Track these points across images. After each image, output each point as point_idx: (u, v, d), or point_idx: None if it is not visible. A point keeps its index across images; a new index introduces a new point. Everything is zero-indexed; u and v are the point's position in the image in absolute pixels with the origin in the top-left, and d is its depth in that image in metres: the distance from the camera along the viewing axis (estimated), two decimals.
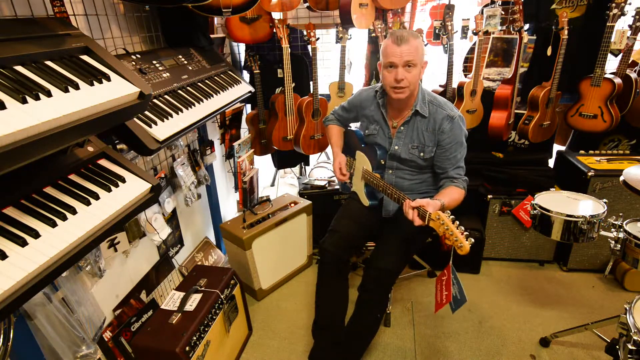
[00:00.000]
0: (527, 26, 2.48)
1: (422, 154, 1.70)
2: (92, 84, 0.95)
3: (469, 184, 1.69)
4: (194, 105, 1.60)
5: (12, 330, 1.05)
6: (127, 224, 1.65)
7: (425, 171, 1.78)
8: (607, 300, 2.26)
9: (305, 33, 2.42)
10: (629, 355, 1.30)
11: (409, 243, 1.77)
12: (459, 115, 1.65)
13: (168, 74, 1.61)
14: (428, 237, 1.97)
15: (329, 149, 2.87)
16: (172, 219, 2.06)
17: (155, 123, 1.34)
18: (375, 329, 1.83)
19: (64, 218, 0.91)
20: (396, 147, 1.74)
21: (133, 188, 1.13)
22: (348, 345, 1.82)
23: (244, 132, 2.81)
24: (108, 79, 1.00)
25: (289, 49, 2.36)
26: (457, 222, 1.31)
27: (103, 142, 1.21)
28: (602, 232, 1.71)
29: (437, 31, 2.56)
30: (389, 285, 1.79)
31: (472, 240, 1.28)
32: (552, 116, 2.46)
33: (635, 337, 1.30)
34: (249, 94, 2.14)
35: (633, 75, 2.28)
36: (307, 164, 3.23)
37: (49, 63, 0.94)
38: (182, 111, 1.50)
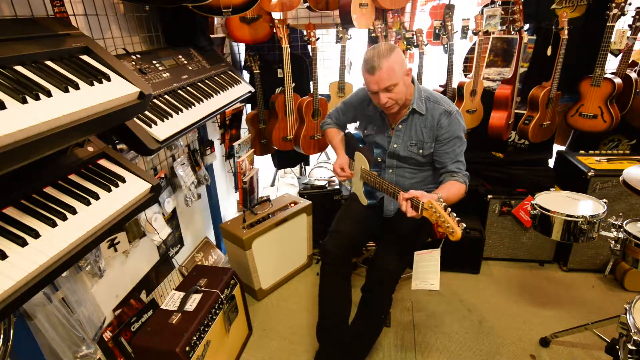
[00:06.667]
0: (527, 26, 2.49)
1: (421, 151, 1.70)
2: (92, 84, 0.95)
3: (469, 184, 1.68)
4: (194, 105, 1.60)
5: (12, 330, 1.05)
6: (127, 224, 1.65)
7: (426, 168, 1.78)
8: (607, 300, 2.26)
9: (305, 33, 2.42)
10: (629, 355, 1.30)
11: (411, 243, 1.77)
12: (456, 110, 1.66)
13: (168, 74, 1.61)
14: (429, 236, 1.96)
15: (329, 149, 2.87)
16: (172, 219, 2.06)
17: (155, 123, 1.34)
18: (379, 329, 1.84)
19: (64, 218, 0.91)
20: (395, 146, 1.74)
21: (133, 188, 1.13)
22: (352, 346, 1.81)
23: (244, 132, 2.81)
24: (108, 79, 1.00)
25: (289, 49, 2.36)
26: (450, 209, 1.29)
27: (103, 142, 1.21)
28: (602, 232, 1.71)
29: (437, 31, 2.56)
30: (392, 286, 1.78)
31: (464, 225, 1.26)
32: (552, 116, 2.46)
33: (635, 337, 1.30)
34: (249, 94, 2.14)
35: (633, 75, 2.28)
36: (307, 164, 3.23)
37: (49, 63, 0.94)
38: (182, 111, 1.50)
